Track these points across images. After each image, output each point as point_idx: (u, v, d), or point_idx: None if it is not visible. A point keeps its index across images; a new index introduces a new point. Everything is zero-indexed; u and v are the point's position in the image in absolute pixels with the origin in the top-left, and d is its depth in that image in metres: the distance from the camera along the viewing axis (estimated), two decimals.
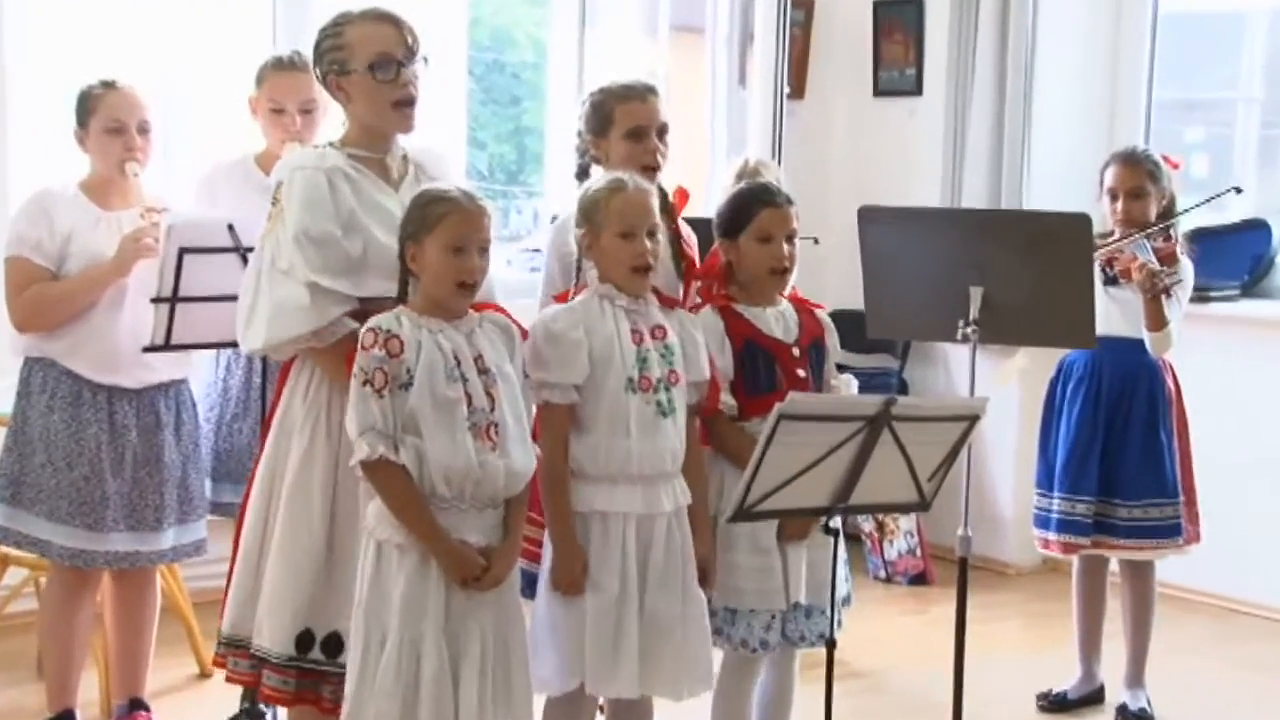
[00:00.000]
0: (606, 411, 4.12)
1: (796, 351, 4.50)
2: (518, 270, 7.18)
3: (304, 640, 4.09)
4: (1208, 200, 5.60)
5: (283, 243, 4.04)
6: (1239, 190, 5.65)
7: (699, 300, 4.59)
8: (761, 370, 4.46)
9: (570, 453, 4.14)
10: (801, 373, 4.47)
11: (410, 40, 4.15)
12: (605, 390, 4.12)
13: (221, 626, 4.23)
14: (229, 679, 4.30)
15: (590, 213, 4.18)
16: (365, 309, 4.02)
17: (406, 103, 4.15)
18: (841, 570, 4.47)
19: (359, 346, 3.85)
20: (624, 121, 4.54)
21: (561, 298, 4.30)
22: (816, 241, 6.37)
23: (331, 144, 4.21)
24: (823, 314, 4.63)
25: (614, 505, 4.13)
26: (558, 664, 4.16)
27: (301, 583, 4.06)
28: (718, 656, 4.45)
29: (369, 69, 4.10)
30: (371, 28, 4.14)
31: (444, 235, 3.88)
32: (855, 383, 4.66)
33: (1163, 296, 5.39)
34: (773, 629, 4.43)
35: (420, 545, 3.85)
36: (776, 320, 4.52)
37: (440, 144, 4.71)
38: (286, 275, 4.02)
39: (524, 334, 4.13)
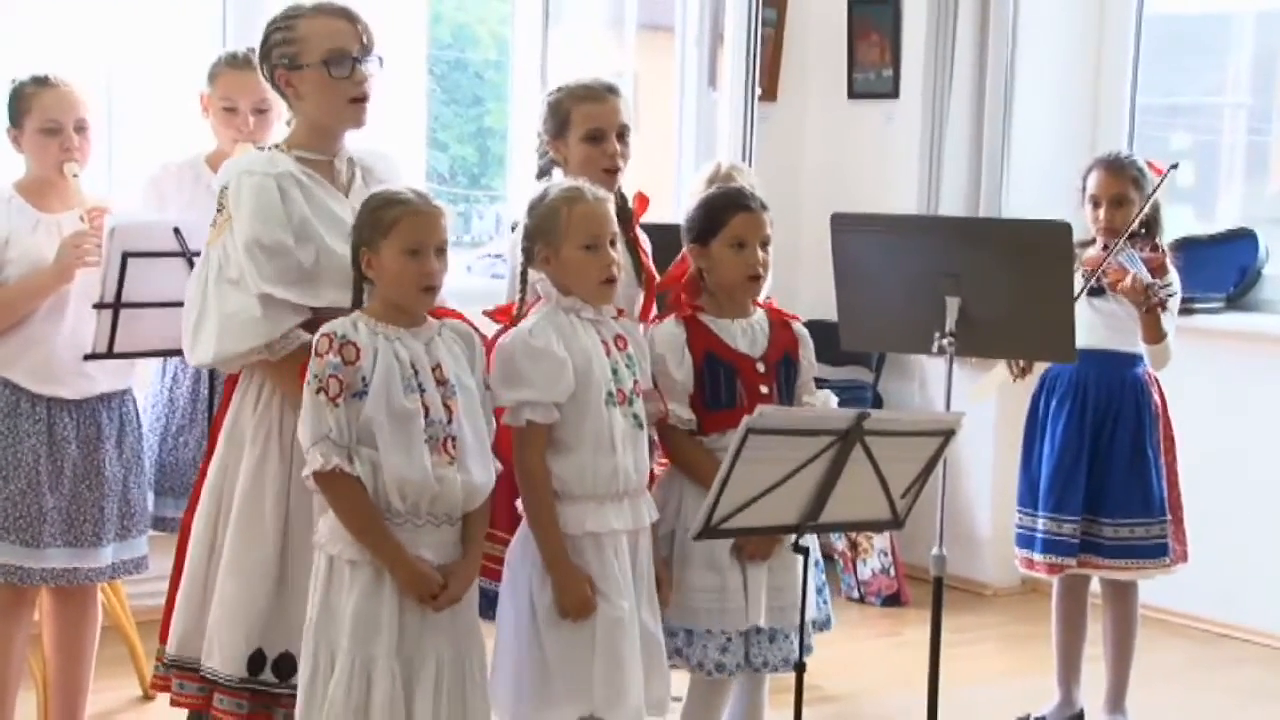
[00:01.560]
0: (591, 428, 4.04)
1: (761, 366, 4.40)
2: (479, 277, 7.09)
3: (256, 661, 4.00)
4: (1158, 185, 5.48)
5: (231, 251, 3.95)
6: (1175, 166, 5.51)
7: (664, 310, 4.51)
8: (722, 385, 4.37)
9: (554, 474, 4.05)
10: (765, 389, 4.38)
11: (365, 37, 4.07)
12: (589, 406, 4.04)
13: (166, 647, 4.14)
14: (175, 703, 4.19)
15: (548, 225, 4.07)
16: (318, 320, 3.92)
17: (361, 99, 4.07)
18: (814, 593, 4.42)
19: (313, 352, 3.76)
20: (582, 123, 4.46)
21: (505, 312, 4.18)
22: None
23: (278, 146, 4.12)
24: (799, 326, 4.55)
25: (607, 524, 4.06)
26: (558, 695, 4.05)
27: (254, 602, 3.97)
28: (681, 678, 4.40)
29: (323, 64, 4.01)
30: (326, 22, 4.05)
31: (400, 239, 3.79)
32: (835, 399, 4.54)
33: (1160, 309, 5.33)
34: (729, 651, 4.34)
35: (374, 561, 3.76)
36: (743, 333, 4.43)
37: (392, 145, 4.58)
38: (236, 286, 3.93)
39: (486, 342, 4.05)
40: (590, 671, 4.02)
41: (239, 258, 3.92)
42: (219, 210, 4.01)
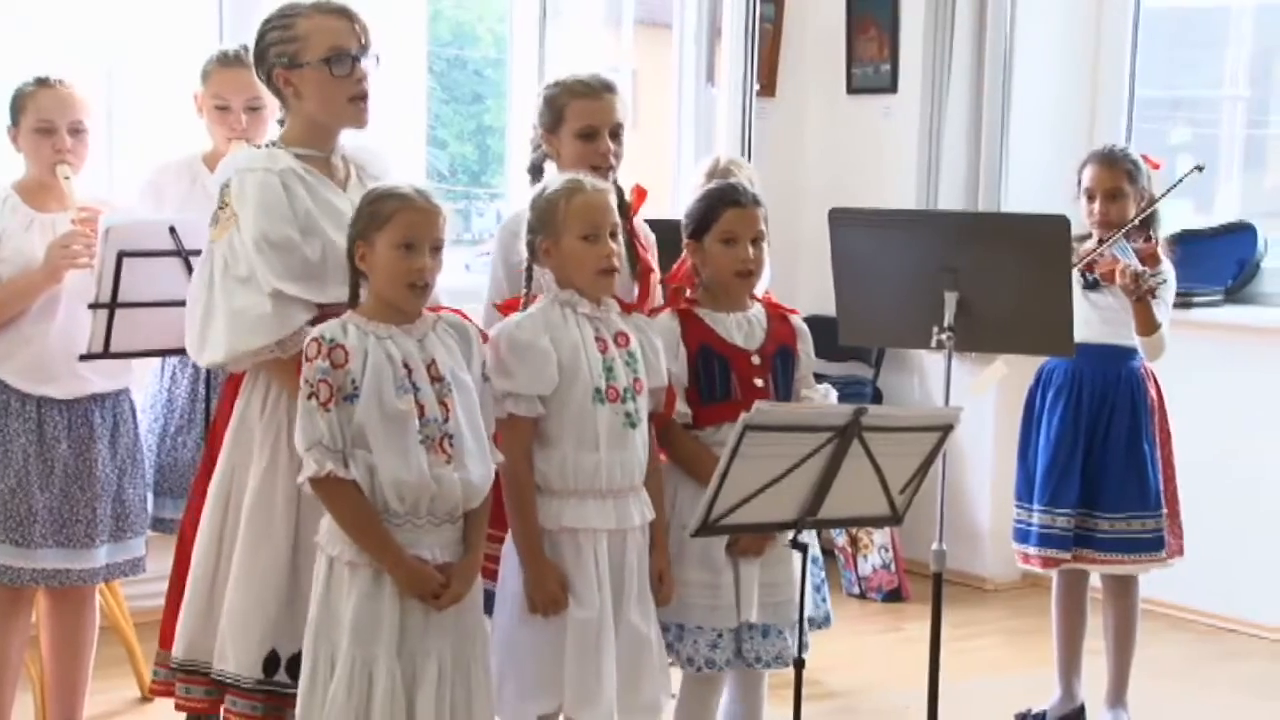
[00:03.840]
0: (573, 424, 4.03)
1: (756, 360, 4.38)
2: (478, 275, 7.04)
3: (270, 663, 3.99)
4: (1175, 185, 5.47)
5: (238, 249, 3.94)
6: (1200, 169, 5.47)
7: (662, 304, 4.51)
8: (717, 377, 4.36)
9: (535, 467, 4.04)
10: (759, 381, 4.36)
11: (363, 36, 4.07)
12: (571, 401, 4.02)
13: (172, 651, 4.10)
14: (180, 707, 4.18)
15: (548, 216, 4.07)
16: (323, 316, 3.91)
17: (361, 97, 4.07)
18: (811, 591, 4.41)
19: (304, 357, 3.74)
20: (576, 120, 4.44)
21: (510, 305, 4.17)
22: None
23: (275, 144, 4.10)
24: (797, 320, 4.53)
25: (584, 521, 4.04)
26: (532, 688, 4.06)
27: (267, 603, 3.96)
28: (675, 674, 4.38)
29: (324, 62, 4.01)
30: (324, 20, 4.05)
31: (395, 232, 3.78)
32: (834, 393, 4.51)
33: (1149, 298, 5.29)
34: (720, 647, 4.33)
35: (373, 563, 3.75)
36: (739, 326, 4.41)
37: (392, 143, 4.57)
38: (245, 283, 3.92)
39: (483, 336, 4.03)
40: (560, 668, 4.01)
41: (247, 254, 3.91)
42: (221, 208, 4.00)
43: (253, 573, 3.96)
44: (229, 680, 3.98)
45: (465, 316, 4.01)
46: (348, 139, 4.17)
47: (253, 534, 3.97)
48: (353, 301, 3.84)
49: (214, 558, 4.05)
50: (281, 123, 4.15)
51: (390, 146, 4.45)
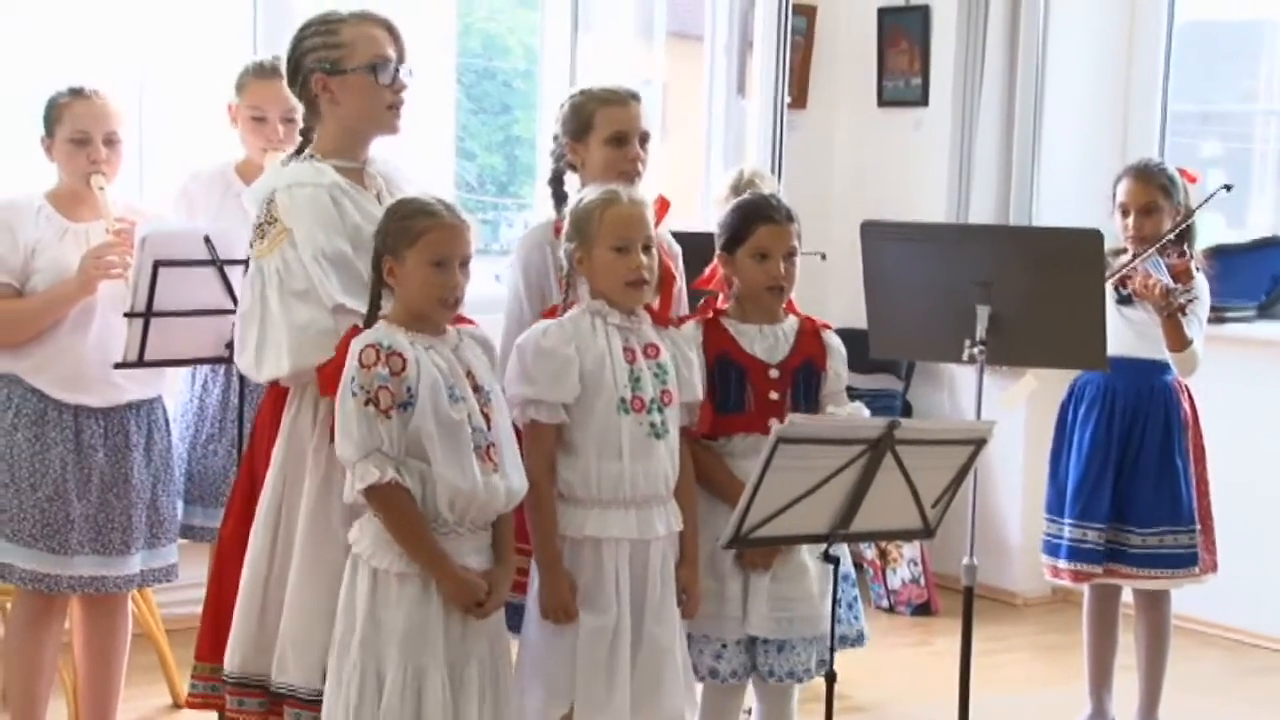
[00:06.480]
0: (597, 433, 4.04)
1: (775, 373, 4.38)
2: (506, 286, 7.01)
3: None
4: (1203, 203, 5.48)
5: (293, 263, 3.94)
6: (1229, 188, 5.46)
7: (687, 313, 4.52)
8: (732, 388, 4.36)
9: (559, 475, 4.06)
10: (775, 395, 4.36)
11: (401, 47, 4.12)
12: (595, 410, 4.04)
13: (225, 666, 4.08)
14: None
15: (583, 226, 4.08)
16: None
17: (397, 105, 4.11)
18: (844, 609, 4.41)
19: (358, 364, 3.73)
20: (605, 126, 4.47)
21: (551, 313, 4.18)
22: (823, 258, 6.41)
23: (313, 156, 4.10)
24: (830, 336, 4.51)
25: (607, 530, 4.05)
26: (545, 691, 4.08)
27: (329, 616, 3.92)
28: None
29: (369, 69, 4.04)
30: (369, 28, 4.10)
31: (427, 250, 3.79)
32: (866, 411, 4.50)
33: (1180, 315, 5.26)
34: (724, 658, 4.33)
35: (422, 573, 3.76)
36: (762, 338, 4.41)
37: (421, 154, 4.57)
38: (304, 298, 3.93)
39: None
40: (570, 674, 4.03)
41: (307, 269, 3.91)
42: (269, 223, 3.99)
43: (313, 585, 3.94)
44: (287, 691, 3.97)
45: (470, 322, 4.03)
46: (374, 151, 4.19)
47: (311, 547, 3.96)
48: (372, 314, 3.85)
49: (265, 571, 4.03)
50: (304, 133, 4.15)
51: (419, 157, 4.45)
